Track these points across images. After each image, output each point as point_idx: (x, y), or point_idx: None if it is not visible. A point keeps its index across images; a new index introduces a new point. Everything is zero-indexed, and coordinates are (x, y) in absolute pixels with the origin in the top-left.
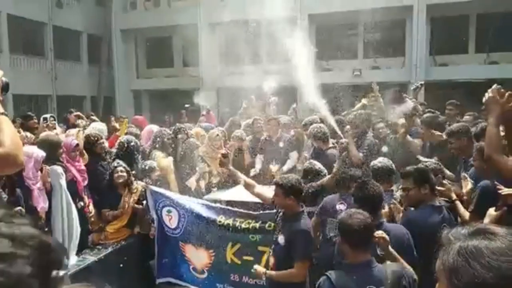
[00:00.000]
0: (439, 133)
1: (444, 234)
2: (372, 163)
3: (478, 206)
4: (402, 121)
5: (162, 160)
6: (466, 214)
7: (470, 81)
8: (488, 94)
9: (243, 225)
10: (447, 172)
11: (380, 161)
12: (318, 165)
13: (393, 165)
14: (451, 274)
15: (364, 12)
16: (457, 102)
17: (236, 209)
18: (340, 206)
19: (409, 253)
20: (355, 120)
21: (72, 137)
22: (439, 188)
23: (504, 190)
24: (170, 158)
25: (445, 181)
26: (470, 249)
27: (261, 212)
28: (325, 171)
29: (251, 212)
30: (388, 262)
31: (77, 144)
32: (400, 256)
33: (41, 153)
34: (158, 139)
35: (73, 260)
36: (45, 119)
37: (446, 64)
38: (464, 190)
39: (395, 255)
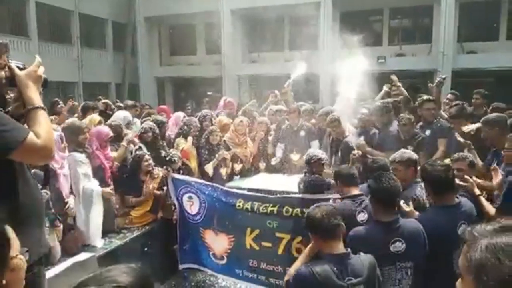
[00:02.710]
0: (469, 125)
1: (467, 231)
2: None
3: (505, 202)
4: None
5: (184, 145)
6: (492, 210)
7: (500, 70)
8: None
9: (261, 209)
10: (480, 162)
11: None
12: (316, 152)
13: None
14: (479, 270)
15: None
16: (486, 91)
17: (253, 193)
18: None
19: (422, 249)
20: (377, 111)
21: (107, 128)
22: (461, 183)
23: None
24: (189, 139)
25: (472, 177)
26: (499, 246)
27: (278, 196)
28: (325, 156)
29: (268, 196)
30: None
31: (111, 136)
32: (415, 250)
33: (57, 133)
34: (185, 127)
35: (99, 243)
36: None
37: (475, 52)
38: (494, 182)
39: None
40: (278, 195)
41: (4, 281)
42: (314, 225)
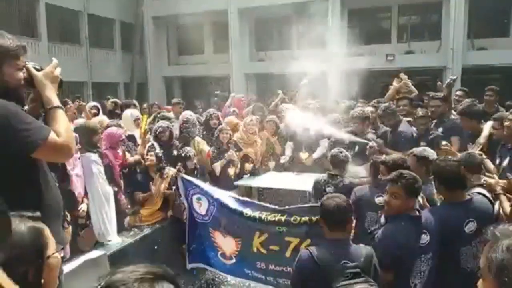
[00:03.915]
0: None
1: (489, 230)
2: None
3: None
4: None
5: (204, 146)
6: (508, 209)
7: (511, 67)
8: None
9: (269, 218)
10: (490, 165)
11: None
12: (344, 153)
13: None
14: (500, 271)
15: None
16: (497, 88)
17: (262, 203)
18: (379, 199)
19: (437, 240)
20: (384, 116)
21: (122, 129)
22: (487, 179)
23: None
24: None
25: (485, 178)
26: None
27: (288, 207)
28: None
29: (277, 207)
30: None
31: (124, 139)
32: (433, 241)
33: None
34: (187, 124)
35: (116, 240)
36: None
37: (485, 48)
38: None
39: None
40: (287, 207)
41: (42, 280)
42: (325, 214)
